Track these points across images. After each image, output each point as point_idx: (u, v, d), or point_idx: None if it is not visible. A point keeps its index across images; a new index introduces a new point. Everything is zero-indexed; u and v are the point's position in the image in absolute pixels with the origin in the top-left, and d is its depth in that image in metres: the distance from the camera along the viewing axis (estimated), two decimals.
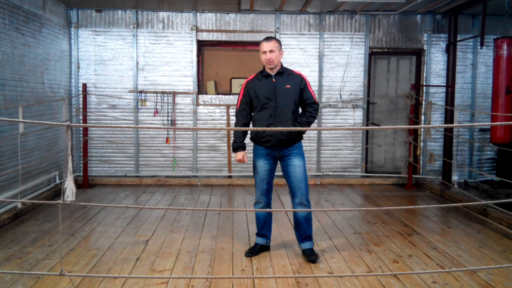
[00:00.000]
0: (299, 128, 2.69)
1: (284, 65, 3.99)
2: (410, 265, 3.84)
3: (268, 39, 3.87)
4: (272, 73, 3.89)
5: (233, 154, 7.30)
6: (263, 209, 3.86)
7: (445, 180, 6.97)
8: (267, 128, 2.85)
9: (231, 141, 7.20)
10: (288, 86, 3.84)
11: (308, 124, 3.85)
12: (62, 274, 2.48)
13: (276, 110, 3.82)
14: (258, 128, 3.49)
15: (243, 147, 3.95)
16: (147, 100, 7.17)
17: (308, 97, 3.90)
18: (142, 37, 7.18)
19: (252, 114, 3.97)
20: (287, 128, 3.42)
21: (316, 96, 7.18)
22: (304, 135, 4.07)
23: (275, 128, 3.37)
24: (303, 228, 3.92)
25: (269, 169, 3.94)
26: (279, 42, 3.91)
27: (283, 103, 3.82)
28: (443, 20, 7.32)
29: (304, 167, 3.91)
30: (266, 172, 3.93)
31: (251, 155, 4.04)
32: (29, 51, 5.73)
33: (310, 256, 3.87)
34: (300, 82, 3.88)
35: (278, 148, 3.87)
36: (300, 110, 4.02)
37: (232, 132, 7.30)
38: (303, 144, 4.03)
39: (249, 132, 4.07)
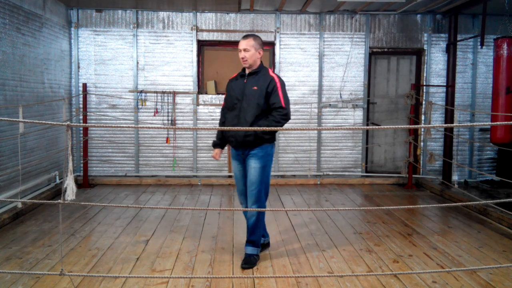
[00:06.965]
0: (253, 128, 2.72)
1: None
2: (410, 265, 3.84)
3: (245, 37, 3.78)
4: (247, 72, 3.85)
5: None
6: (265, 209, 3.85)
7: (445, 180, 6.97)
8: (233, 128, 2.86)
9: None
10: (255, 87, 3.74)
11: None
12: (62, 274, 2.49)
13: (240, 111, 3.76)
14: (225, 127, 3.27)
15: (219, 144, 3.98)
16: (147, 100, 7.17)
17: (275, 101, 3.69)
18: (142, 37, 7.18)
19: None
20: (243, 127, 3.37)
21: (316, 96, 7.27)
22: (277, 137, 3.99)
23: (238, 127, 3.37)
24: (248, 232, 3.89)
25: (240, 169, 3.93)
26: (257, 40, 3.77)
27: (246, 104, 3.74)
28: (443, 20, 7.32)
29: (261, 171, 3.76)
30: (238, 173, 3.94)
31: None
32: (29, 51, 5.72)
33: (244, 263, 3.76)
34: (268, 84, 3.71)
35: (240, 149, 3.84)
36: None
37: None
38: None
39: None
